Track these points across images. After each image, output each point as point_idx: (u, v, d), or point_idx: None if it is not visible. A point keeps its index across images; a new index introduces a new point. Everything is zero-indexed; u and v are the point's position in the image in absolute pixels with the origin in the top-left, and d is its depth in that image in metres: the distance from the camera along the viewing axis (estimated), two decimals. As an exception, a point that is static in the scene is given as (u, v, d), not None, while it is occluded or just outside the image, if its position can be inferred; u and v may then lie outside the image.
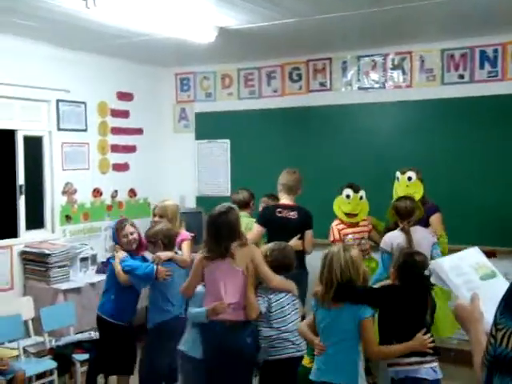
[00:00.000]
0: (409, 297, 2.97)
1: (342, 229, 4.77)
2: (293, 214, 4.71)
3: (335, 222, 4.82)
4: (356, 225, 4.82)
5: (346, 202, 4.79)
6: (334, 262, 2.97)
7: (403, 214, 4.30)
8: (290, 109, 6.04)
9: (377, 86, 5.71)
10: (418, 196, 4.60)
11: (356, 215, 4.79)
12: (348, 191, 4.78)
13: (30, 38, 5.02)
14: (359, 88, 5.79)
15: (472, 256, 1.92)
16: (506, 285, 1.65)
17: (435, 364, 2.96)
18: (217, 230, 3.43)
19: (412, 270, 2.99)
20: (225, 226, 3.42)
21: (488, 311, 1.63)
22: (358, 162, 5.64)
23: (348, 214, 4.79)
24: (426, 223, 4.61)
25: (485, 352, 1.49)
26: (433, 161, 5.28)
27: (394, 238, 4.26)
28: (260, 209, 5.13)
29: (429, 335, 2.92)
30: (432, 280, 2.00)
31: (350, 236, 4.75)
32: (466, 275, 1.83)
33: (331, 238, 4.78)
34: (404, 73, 5.58)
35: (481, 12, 4.42)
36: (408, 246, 4.15)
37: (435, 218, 4.69)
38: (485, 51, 5.23)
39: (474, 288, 1.76)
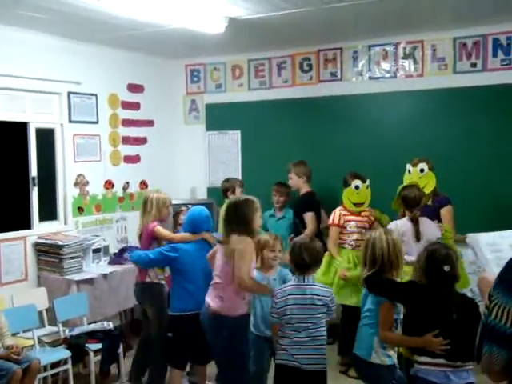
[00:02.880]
0: (432, 295, 2.86)
1: (345, 215, 4.86)
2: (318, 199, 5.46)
3: (340, 207, 4.91)
4: (359, 214, 4.89)
5: (355, 192, 4.86)
6: (377, 244, 3.11)
7: (412, 202, 4.28)
8: (301, 99, 6.02)
9: (388, 75, 5.67)
10: (430, 187, 4.61)
11: (363, 204, 4.89)
12: (357, 182, 4.86)
13: (41, 31, 5.04)
14: (370, 78, 5.75)
15: None
16: None
17: (450, 369, 2.77)
18: (226, 218, 3.55)
19: (436, 267, 2.87)
20: (232, 215, 3.50)
21: None
22: (368, 152, 5.61)
23: (356, 204, 4.87)
24: (437, 215, 4.60)
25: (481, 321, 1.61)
26: (445, 151, 5.24)
27: (400, 226, 4.24)
28: (276, 198, 5.54)
29: (441, 338, 2.77)
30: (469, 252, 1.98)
31: (353, 223, 4.82)
32: (501, 252, 1.88)
33: (330, 221, 4.91)
34: (415, 62, 5.53)
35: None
36: (415, 235, 4.16)
37: (446, 211, 4.66)
38: (498, 39, 5.17)
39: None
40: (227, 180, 5.84)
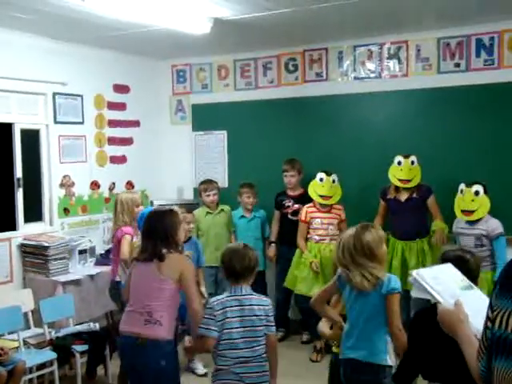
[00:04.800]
0: None
1: (311, 212, 5.19)
2: None
3: (308, 205, 5.21)
4: (329, 211, 5.15)
5: (320, 184, 5.13)
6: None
7: None
8: (287, 99, 6.03)
9: (373, 75, 5.70)
10: (418, 180, 4.86)
11: (330, 198, 5.12)
12: (321, 175, 5.14)
13: (26, 31, 5.01)
14: (355, 78, 5.78)
15: (449, 270, 1.98)
16: (484, 297, 1.68)
17: None
18: (149, 230, 3.25)
19: None
20: (158, 228, 3.23)
21: (470, 317, 1.66)
22: (354, 152, 5.64)
23: (322, 197, 5.12)
24: (423, 205, 4.87)
25: (482, 339, 1.49)
26: (429, 150, 5.28)
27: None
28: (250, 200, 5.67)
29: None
30: (412, 293, 1.92)
31: (317, 220, 5.13)
32: (447, 284, 1.86)
33: (299, 217, 5.25)
34: (400, 62, 5.57)
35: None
36: None
37: (433, 200, 4.91)
38: (481, 39, 5.22)
39: (455, 296, 1.79)
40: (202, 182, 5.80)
